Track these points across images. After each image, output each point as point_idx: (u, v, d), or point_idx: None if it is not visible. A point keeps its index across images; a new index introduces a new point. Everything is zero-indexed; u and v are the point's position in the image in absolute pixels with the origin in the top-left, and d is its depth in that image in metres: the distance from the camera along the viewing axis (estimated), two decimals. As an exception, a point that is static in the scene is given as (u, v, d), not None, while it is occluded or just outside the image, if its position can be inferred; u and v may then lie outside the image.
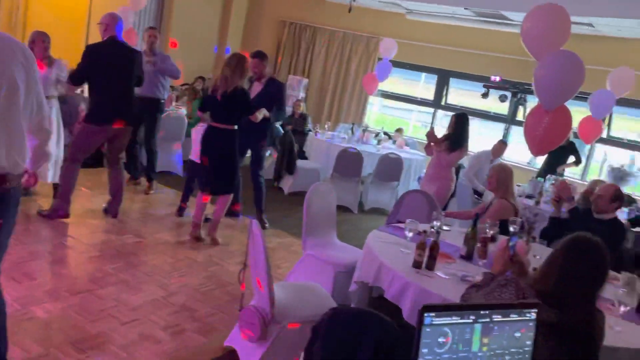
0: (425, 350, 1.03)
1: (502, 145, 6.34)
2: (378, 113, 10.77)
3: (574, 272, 1.95)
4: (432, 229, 3.16)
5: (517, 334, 1.15)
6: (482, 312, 1.09)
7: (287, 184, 6.80)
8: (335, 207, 3.98)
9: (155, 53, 5.66)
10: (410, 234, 3.07)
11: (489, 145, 6.58)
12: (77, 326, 2.89)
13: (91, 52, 4.46)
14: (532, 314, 1.16)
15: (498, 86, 7.61)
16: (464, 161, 6.76)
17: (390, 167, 6.76)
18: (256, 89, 5.09)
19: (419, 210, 4.05)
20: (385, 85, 9.45)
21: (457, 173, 6.47)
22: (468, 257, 3.13)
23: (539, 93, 3.23)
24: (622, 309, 2.49)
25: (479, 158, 6.35)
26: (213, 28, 9.55)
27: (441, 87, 9.05)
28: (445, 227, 3.77)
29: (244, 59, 4.40)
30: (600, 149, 7.97)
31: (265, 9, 9.87)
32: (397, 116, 10.80)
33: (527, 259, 2.76)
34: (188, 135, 6.79)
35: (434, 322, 1.04)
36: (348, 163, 6.53)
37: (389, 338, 1.80)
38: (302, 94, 9.13)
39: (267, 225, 5.27)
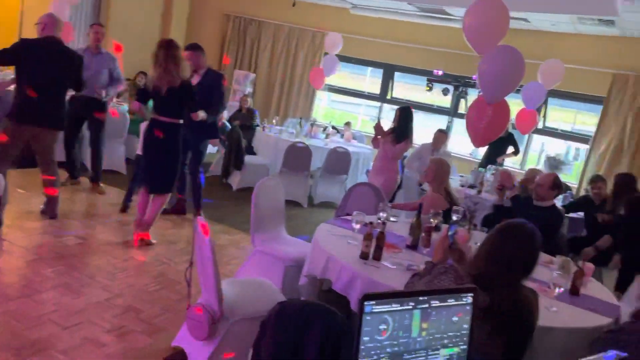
0: (366, 338, 1.05)
1: (441, 134, 6.48)
2: (326, 107, 10.83)
3: (501, 255, 2.04)
4: (379, 220, 3.22)
5: (455, 318, 1.19)
6: (420, 298, 1.13)
7: (236, 180, 6.73)
8: (283, 202, 3.97)
9: (101, 52, 5.46)
10: (357, 226, 3.12)
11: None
12: (16, 333, 2.76)
13: (22, 45, 4.26)
14: (469, 298, 1.20)
15: (441, 80, 7.81)
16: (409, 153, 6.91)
17: (339, 161, 6.82)
18: (194, 81, 4.99)
19: (366, 202, 4.11)
20: (332, 80, 9.48)
21: (402, 165, 6.62)
22: (413, 246, 3.21)
23: (482, 87, 3.34)
24: (557, 290, 2.62)
25: (421, 149, 6.50)
26: (154, 22, 9.29)
27: (386, 81, 9.19)
28: (392, 218, 3.85)
29: (169, 46, 4.18)
30: (537, 140, 8.34)
31: (208, 3, 9.69)
32: (345, 110, 10.89)
33: (468, 246, 2.86)
34: (131, 132, 6.62)
35: (374, 310, 1.06)
36: (296, 158, 6.54)
37: (336, 328, 1.82)
38: (249, 89, 9.05)
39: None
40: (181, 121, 4.35)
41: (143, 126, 4.82)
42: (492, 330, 1.97)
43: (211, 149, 7.06)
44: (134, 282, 3.65)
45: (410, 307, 1.11)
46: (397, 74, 9.21)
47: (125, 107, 6.78)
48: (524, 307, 2.05)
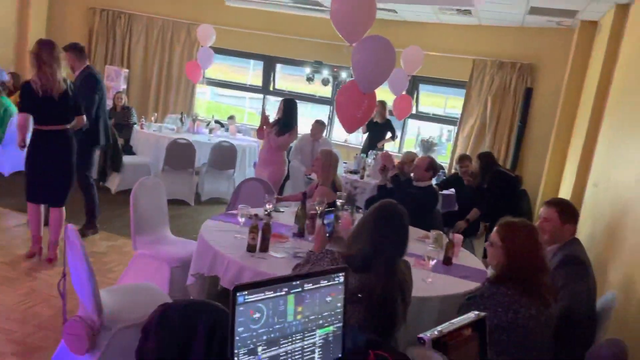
0: (241, 329, 1.06)
1: (318, 125, 6.63)
2: (211, 102, 10.59)
3: (372, 236, 2.14)
4: (265, 212, 3.24)
5: (328, 299, 1.23)
6: (293, 283, 1.15)
7: (114, 183, 6.36)
8: (165, 202, 3.83)
9: None
10: (243, 219, 3.11)
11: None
12: None
13: None
14: (340, 278, 1.25)
15: (318, 70, 8.00)
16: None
17: (224, 155, 6.71)
18: None
19: (256, 197, 4.09)
20: (215, 74, 9.30)
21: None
22: (300, 234, 3.27)
23: (356, 77, 3.45)
24: (432, 262, 2.82)
25: (301, 140, 6.60)
26: (9, 16, 8.42)
27: (268, 73, 9.19)
28: (281, 209, 3.89)
29: (49, 46, 3.90)
30: (413, 124, 8.86)
31: (70, -5, 8.99)
32: (230, 104, 10.73)
33: (349, 230, 2.98)
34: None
35: (247, 300, 1.06)
36: (179, 154, 6.33)
37: (222, 324, 1.81)
38: (123, 86, 8.55)
39: (98, 230, 4.90)
40: (68, 126, 4.06)
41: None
42: (368, 308, 2.07)
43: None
44: (2, 301, 3.31)
45: (284, 292, 1.13)
46: (279, 66, 9.25)
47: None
48: (397, 285, 2.16)
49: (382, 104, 7.05)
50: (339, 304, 1.25)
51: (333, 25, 3.66)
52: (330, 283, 1.23)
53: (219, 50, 8.15)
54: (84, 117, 4.18)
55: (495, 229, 2.31)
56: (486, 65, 7.50)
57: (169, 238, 3.81)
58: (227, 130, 7.92)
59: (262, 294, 1.09)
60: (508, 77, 7.35)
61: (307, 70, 8.26)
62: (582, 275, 2.57)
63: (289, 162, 6.39)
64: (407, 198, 3.90)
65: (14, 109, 6.39)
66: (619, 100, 4.70)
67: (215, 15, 8.55)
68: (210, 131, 7.51)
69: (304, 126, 6.74)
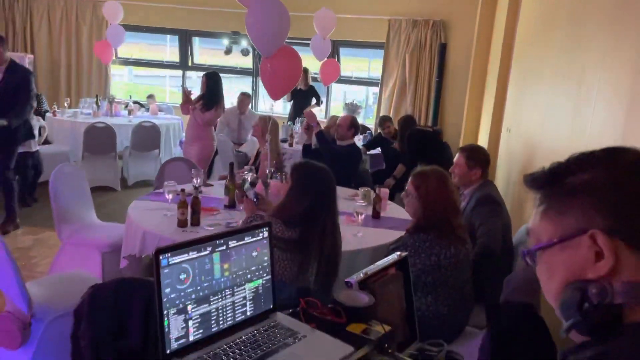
0: (168, 290, 1.08)
1: (244, 97, 6.60)
2: (129, 84, 10.15)
3: (301, 192, 2.21)
4: (193, 187, 3.22)
5: (254, 254, 1.27)
6: (217, 242, 1.18)
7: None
8: (87, 187, 3.71)
9: None
10: (170, 196, 3.07)
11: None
12: None
13: None
14: (265, 233, 1.29)
15: (236, 41, 7.84)
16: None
17: (147, 136, 6.50)
18: None
19: (182, 176, 4.02)
20: (131, 53, 8.90)
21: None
22: (231, 205, 3.28)
23: (254, 41, 3.41)
24: (361, 217, 2.93)
25: (227, 114, 6.53)
26: None
27: (185, 48, 8.90)
28: (209, 182, 3.87)
29: None
30: (339, 88, 8.94)
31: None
32: (150, 84, 10.34)
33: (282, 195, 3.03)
34: None
35: (171, 262, 1.08)
36: (99, 139, 6.06)
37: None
38: (29, 72, 7.99)
39: (19, 226, 4.66)
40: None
41: None
42: (303, 262, 2.15)
43: None
44: None
45: (208, 252, 1.15)
46: (198, 40, 8.98)
47: None
48: (329, 238, 2.25)
49: (305, 70, 7.05)
50: (265, 258, 1.29)
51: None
52: (254, 239, 1.26)
53: (130, 28, 7.78)
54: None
55: (409, 180, 2.43)
56: (401, 25, 7.65)
57: (96, 224, 3.71)
58: (147, 110, 7.65)
59: (186, 255, 1.11)
60: (423, 34, 7.54)
61: (225, 42, 8.08)
62: (497, 213, 2.77)
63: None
64: (332, 156, 4.00)
65: None
66: (523, 51, 4.98)
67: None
68: (130, 112, 7.23)
69: (227, 100, 6.66)
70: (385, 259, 1.64)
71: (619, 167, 0.71)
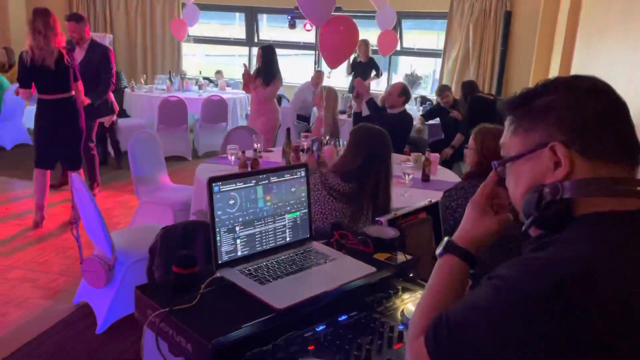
0: (219, 212, 1.31)
1: (319, 73, 6.84)
2: (200, 62, 10.64)
3: (358, 151, 2.38)
4: (253, 150, 3.49)
5: (293, 189, 1.47)
6: (260, 176, 1.39)
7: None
8: (161, 152, 4.08)
9: None
10: (232, 158, 3.35)
11: (306, 74, 7.04)
12: None
13: None
14: (302, 172, 1.49)
15: (300, 15, 8.01)
16: (283, 92, 7.19)
17: (215, 109, 6.89)
18: (78, 55, 4.66)
19: (245, 144, 4.30)
20: (203, 30, 9.32)
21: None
22: (288, 168, 3.52)
23: (305, 13, 3.56)
24: (408, 178, 3.07)
25: (302, 90, 6.77)
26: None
27: (251, 24, 9.21)
28: (270, 148, 4.14)
29: (45, 15, 3.93)
30: (401, 61, 8.94)
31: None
32: (220, 63, 10.79)
33: (335, 158, 3.24)
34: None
35: (222, 190, 1.31)
36: (172, 112, 6.51)
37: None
38: (109, 51, 8.61)
39: (101, 189, 5.18)
40: (73, 93, 4.19)
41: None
42: (355, 213, 2.33)
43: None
44: (22, 256, 3.62)
45: (253, 184, 1.37)
46: (266, 17, 9.26)
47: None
48: (382, 194, 2.42)
49: (365, 42, 7.14)
50: (302, 194, 1.49)
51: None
52: (293, 177, 1.47)
53: (201, 7, 8.16)
54: (80, 87, 4.28)
55: (472, 135, 2.54)
56: (465, -7, 7.53)
57: (169, 186, 4.08)
58: (216, 85, 8.06)
59: (234, 185, 1.33)
60: (487, 2, 7.38)
61: (289, 17, 8.30)
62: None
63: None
64: (383, 124, 4.13)
65: (7, 83, 6.53)
66: (589, 18, 4.82)
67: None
68: (200, 88, 7.66)
69: (298, 75, 6.95)
70: (417, 204, 1.80)
71: (577, 90, 0.85)
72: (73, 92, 4.18)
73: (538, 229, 0.87)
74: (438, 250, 1.00)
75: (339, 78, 8.70)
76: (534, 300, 0.72)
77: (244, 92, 7.63)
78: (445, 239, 1.01)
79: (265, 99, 5.10)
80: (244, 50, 9.63)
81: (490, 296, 0.77)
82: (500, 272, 0.80)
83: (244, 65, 5.22)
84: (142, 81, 7.70)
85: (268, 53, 5.05)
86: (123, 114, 6.98)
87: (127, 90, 7.27)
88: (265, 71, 5.01)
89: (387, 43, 6.97)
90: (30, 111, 6.13)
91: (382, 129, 2.49)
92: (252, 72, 5.09)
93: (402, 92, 4.40)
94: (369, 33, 7.48)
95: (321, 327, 1.25)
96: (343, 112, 6.21)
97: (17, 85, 4.11)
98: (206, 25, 9.70)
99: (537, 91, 0.88)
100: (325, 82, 8.79)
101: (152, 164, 3.98)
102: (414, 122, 6.18)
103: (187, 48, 9.49)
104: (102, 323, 2.77)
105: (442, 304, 0.91)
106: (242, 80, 5.12)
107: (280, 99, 7.24)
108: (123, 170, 5.82)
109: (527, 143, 0.88)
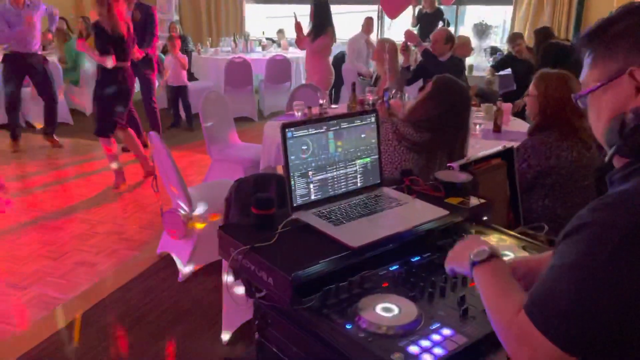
0: (293, 157, 1.35)
1: (368, 20, 6.65)
2: (264, 23, 10.65)
3: (441, 100, 2.29)
4: (319, 106, 3.51)
5: (363, 135, 1.48)
6: (331, 122, 1.41)
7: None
8: (230, 112, 4.19)
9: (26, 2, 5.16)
10: (299, 114, 3.40)
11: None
12: (10, 271, 3.02)
13: None
14: (372, 118, 1.50)
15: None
16: (338, 49, 7.07)
17: (279, 69, 6.94)
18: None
19: (310, 101, 4.33)
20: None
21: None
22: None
23: None
24: (478, 128, 2.99)
25: (354, 40, 6.64)
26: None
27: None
28: (333, 106, 4.14)
29: None
30: (473, 11, 8.53)
31: None
32: (284, 24, 10.75)
33: (400, 109, 3.20)
34: (67, 80, 6.56)
35: (295, 135, 1.34)
36: (237, 73, 6.62)
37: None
38: (175, 16, 8.82)
39: None
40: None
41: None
42: (427, 164, 2.30)
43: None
44: (109, 212, 3.89)
45: (324, 130, 1.40)
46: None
47: (54, 56, 6.64)
48: (457, 150, 2.35)
49: (431, -8, 6.88)
50: (373, 140, 1.50)
51: None
52: (363, 123, 1.48)
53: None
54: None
55: (532, 81, 2.42)
56: None
57: (239, 144, 4.20)
58: (279, 45, 8.08)
59: (306, 131, 1.36)
60: (564, -59, 6.85)
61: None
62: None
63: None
64: (439, 71, 4.02)
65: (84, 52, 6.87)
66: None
67: None
68: (263, 48, 7.71)
69: (351, 29, 6.81)
70: (490, 149, 1.76)
71: None
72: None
73: (622, 157, 0.84)
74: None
75: (400, 31, 8.46)
76: (632, 233, 0.71)
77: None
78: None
79: (316, 52, 4.95)
80: (304, 6, 9.53)
81: (582, 249, 0.76)
82: (582, 221, 0.78)
83: (294, 13, 5.06)
84: (208, 44, 7.84)
85: (318, 7, 4.89)
86: (191, 77, 7.18)
87: (194, 53, 7.44)
88: (315, 24, 4.87)
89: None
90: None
91: (463, 83, 2.41)
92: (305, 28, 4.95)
93: (448, 39, 4.30)
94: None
95: (395, 267, 1.28)
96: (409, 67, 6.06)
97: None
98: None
99: (611, 19, 0.86)
100: (387, 34, 8.63)
101: (221, 122, 4.11)
102: (484, 74, 5.97)
103: (249, 9, 9.53)
104: (183, 272, 2.96)
105: (516, 287, 0.90)
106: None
107: (343, 56, 7.16)
108: (195, 131, 6.03)
109: (606, 72, 0.85)
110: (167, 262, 3.12)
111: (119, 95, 4.32)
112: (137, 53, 4.55)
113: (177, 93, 6.38)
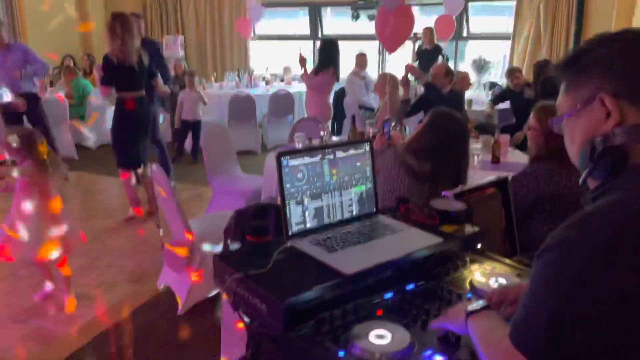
0: (288, 185, 1.37)
1: (361, 56, 6.85)
2: (268, 59, 10.88)
3: (438, 132, 2.32)
4: (319, 137, 3.56)
5: (358, 164, 1.51)
6: (326, 151, 1.44)
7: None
8: (232, 145, 4.25)
9: (9, 45, 5.13)
10: (300, 145, 3.44)
11: (371, 65, 7.02)
12: (9, 305, 3.01)
13: None
14: (367, 147, 1.53)
15: (364, 6, 8.02)
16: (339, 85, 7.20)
17: (282, 104, 7.05)
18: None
19: (311, 132, 4.39)
20: (268, 28, 9.53)
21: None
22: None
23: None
24: (476, 159, 3.02)
25: (350, 79, 6.74)
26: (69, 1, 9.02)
27: (314, 19, 9.31)
28: (334, 138, 4.20)
29: (124, 18, 4.15)
30: (470, 48, 8.70)
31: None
32: (288, 58, 10.98)
33: (400, 140, 3.25)
34: (72, 117, 6.68)
35: (290, 164, 1.37)
36: (241, 107, 6.73)
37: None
38: (181, 52, 9.02)
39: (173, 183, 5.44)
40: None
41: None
42: (430, 190, 2.31)
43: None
44: (110, 245, 3.90)
45: (319, 158, 1.43)
46: (330, 11, 9.34)
47: (61, 92, 6.78)
48: (462, 176, 2.37)
49: (430, 30, 7.03)
50: (367, 168, 1.53)
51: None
52: (358, 152, 1.51)
53: (265, 5, 8.35)
54: (160, 80, 4.54)
55: (531, 114, 2.46)
56: (535, -29, 7.20)
57: (241, 176, 4.25)
58: (282, 80, 8.23)
59: (302, 159, 1.39)
60: (559, -21, 7.03)
61: (350, 8, 8.31)
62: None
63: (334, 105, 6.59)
64: (441, 103, 4.09)
65: (90, 87, 7.02)
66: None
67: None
68: (267, 83, 7.86)
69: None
70: (485, 179, 1.78)
71: (621, 42, 0.87)
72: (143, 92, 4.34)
73: (594, 180, 0.88)
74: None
75: (399, 66, 8.62)
76: (603, 248, 0.73)
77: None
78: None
79: (314, 88, 5.03)
80: (309, 45, 9.75)
81: (557, 266, 0.79)
82: (554, 240, 0.82)
83: (299, 48, 5.20)
84: (213, 79, 7.99)
85: (326, 45, 5.05)
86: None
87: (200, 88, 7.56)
88: (319, 60, 5.02)
89: (443, 27, 6.86)
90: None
91: (459, 115, 2.45)
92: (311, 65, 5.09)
93: (447, 72, 4.41)
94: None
95: (389, 294, 1.28)
96: (408, 100, 6.15)
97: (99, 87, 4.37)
98: (269, 22, 9.90)
99: (583, 49, 0.91)
100: (387, 69, 8.78)
101: (224, 155, 4.16)
102: (483, 108, 6.04)
103: (253, 44, 9.74)
104: (183, 304, 2.94)
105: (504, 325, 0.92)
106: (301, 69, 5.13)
107: (344, 91, 7.28)
108: (199, 164, 6.09)
109: (578, 99, 0.90)
110: (167, 295, 3.11)
111: (134, 125, 4.31)
112: (162, 88, 4.64)
113: (190, 128, 6.50)
